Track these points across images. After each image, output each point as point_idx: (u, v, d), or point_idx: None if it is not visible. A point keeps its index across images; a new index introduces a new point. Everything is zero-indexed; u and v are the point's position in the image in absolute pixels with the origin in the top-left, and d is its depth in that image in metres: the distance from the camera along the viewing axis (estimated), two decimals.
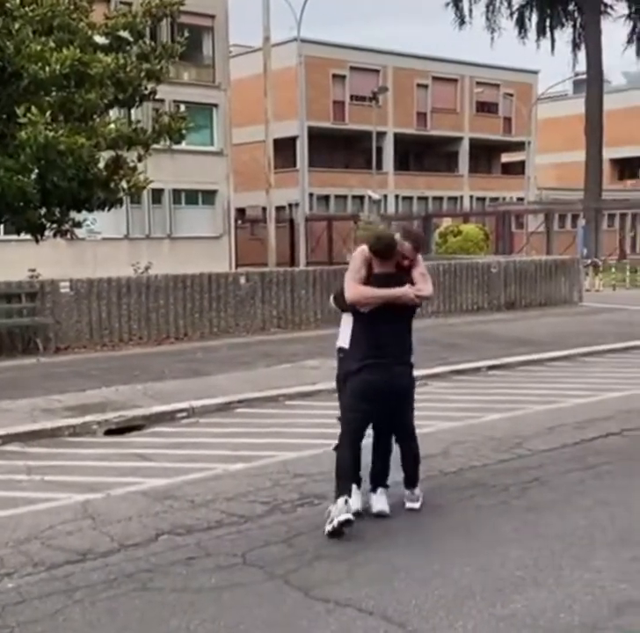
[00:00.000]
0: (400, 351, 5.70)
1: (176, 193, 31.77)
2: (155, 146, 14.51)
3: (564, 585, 4.58)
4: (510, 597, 4.44)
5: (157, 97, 14.59)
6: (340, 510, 5.29)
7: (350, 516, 5.31)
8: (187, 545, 5.29)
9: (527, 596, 4.45)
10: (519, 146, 51.52)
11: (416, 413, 6.04)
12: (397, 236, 5.75)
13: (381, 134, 43.17)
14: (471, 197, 49.35)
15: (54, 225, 13.92)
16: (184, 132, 14.23)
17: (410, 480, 6.03)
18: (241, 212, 39.77)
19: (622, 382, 10.62)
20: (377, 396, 5.61)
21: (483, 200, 49.12)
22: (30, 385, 10.52)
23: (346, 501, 5.36)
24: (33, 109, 11.34)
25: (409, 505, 5.93)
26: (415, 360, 5.88)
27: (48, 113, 11.47)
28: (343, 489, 5.45)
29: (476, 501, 6.09)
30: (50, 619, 4.30)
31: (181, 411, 9.21)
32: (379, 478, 5.99)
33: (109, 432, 8.57)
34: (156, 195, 30.20)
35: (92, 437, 8.41)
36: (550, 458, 7.18)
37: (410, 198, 46.95)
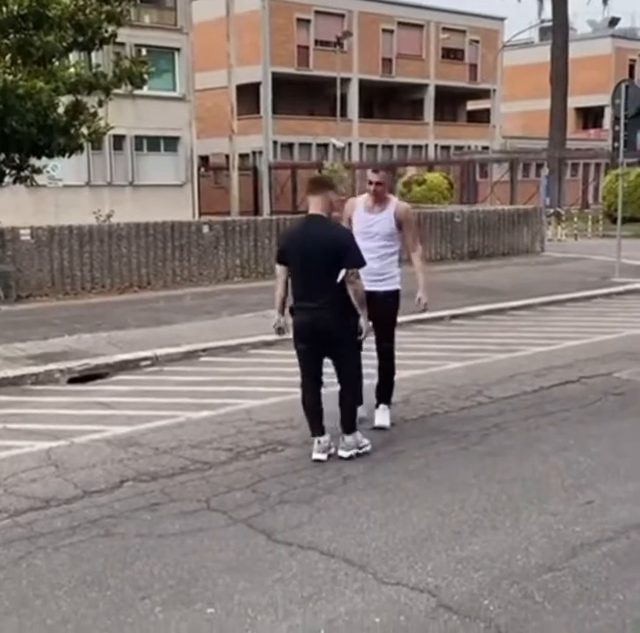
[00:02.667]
0: (318, 296, 5.81)
1: (138, 140, 31.24)
2: (116, 91, 14.23)
3: (521, 528, 4.71)
4: (468, 539, 4.55)
5: (118, 40, 14.26)
6: (314, 449, 5.94)
7: (320, 456, 5.89)
8: (151, 491, 5.34)
9: (484, 539, 4.56)
10: (484, 94, 51.28)
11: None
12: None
13: (345, 81, 42.68)
14: (436, 145, 49.16)
15: (14, 171, 13.67)
16: (145, 77, 13.97)
17: (344, 423, 6.05)
18: (204, 160, 39.25)
19: (582, 331, 10.79)
20: (305, 336, 5.95)
21: (448, 148, 48.98)
22: None
23: (319, 441, 5.94)
24: None
25: (340, 452, 6.00)
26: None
27: (8, 57, 11.18)
28: (312, 429, 6.03)
29: (437, 447, 6.20)
30: (13, 565, 4.33)
31: (145, 359, 9.20)
32: (378, 394, 6.80)
33: (72, 381, 8.55)
34: (118, 142, 29.69)
35: (55, 385, 8.39)
36: (510, 405, 7.32)
37: (375, 146, 46.63)
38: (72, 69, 12.93)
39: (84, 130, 13.82)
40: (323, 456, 5.89)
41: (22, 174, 13.98)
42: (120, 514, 4.99)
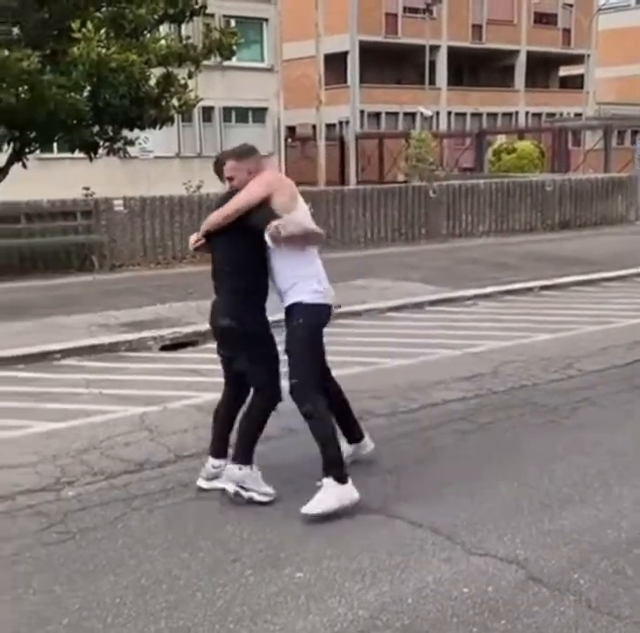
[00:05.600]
0: (221, 282, 4.86)
1: (226, 111, 31.46)
2: (205, 63, 14.31)
3: (612, 503, 4.63)
4: (557, 513, 4.50)
5: (207, 11, 14.32)
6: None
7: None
8: None
9: (574, 512, 4.51)
10: (578, 59, 49.71)
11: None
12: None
13: (434, 48, 41.99)
14: (527, 113, 48.00)
15: (107, 143, 13.93)
16: (234, 48, 13.98)
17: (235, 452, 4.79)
18: (291, 130, 39.30)
19: None
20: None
21: (539, 115, 47.76)
22: (87, 302, 10.73)
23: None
24: (89, 24, 11.23)
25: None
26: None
27: (103, 30, 11.36)
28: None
29: (525, 419, 6.13)
30: (110, 526, 4.49)
31: None
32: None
33: (164, 348, 8.76)
34: (207, 113, 29.96)
35: (148, 352, 8.60)
36: (601, 378, 7.17)
37: (464, 114, 45.84)
38: (163, 42, 13.03)
39: (175, 102, 13.96)
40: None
41: (115, 146, 14.23)
42: None
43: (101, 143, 13.97)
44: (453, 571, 3.88)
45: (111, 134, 13.93)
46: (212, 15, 23.38)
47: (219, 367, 7.75)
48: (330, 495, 4.49)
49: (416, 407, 6.45)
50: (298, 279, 4.73)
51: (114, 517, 4.59)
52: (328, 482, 4.53)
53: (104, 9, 12.29)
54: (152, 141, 20.76)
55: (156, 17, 12.64)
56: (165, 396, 6.90)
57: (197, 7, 13.44)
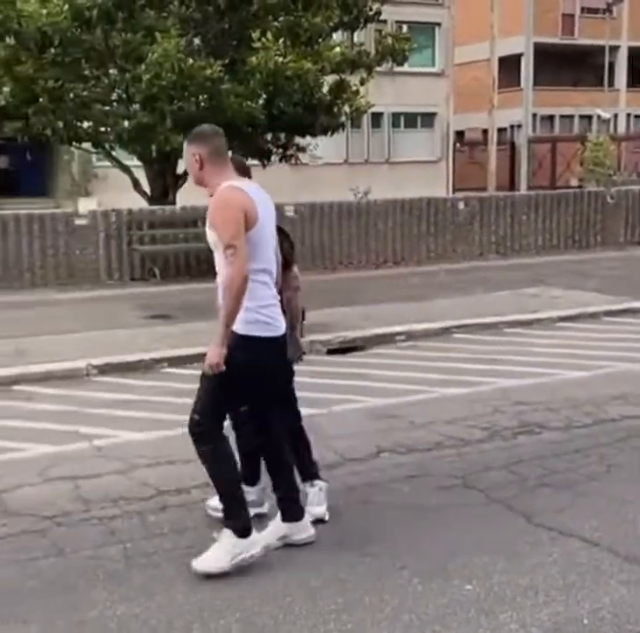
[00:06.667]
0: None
1: (395, 117, 31.54)
2: (376, 68, 14.43)
3: None
4: None
5: (380, 18, 14.41)
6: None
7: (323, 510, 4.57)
8: (408, 464, 5.40)
9: None
10: None
11: None
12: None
13: (613, 49, 40.37)
14: None
15: (280, 150, 14.29)
16: (407, 53, 14.04)
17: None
18: (459, 135, 38.89)
19: None
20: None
21: None
22: None
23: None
24: (268, 34, 11.56)
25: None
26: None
27: (281, 40, 11.67)
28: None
29: None
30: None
31: (399, 334, 9.32)
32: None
33: (331, 352, 8.85)
34: (376, 119, 30.13)
35: (316, 355, 8.69)
36: None
37: None
38: (337, 49, 13.24)
39: (346, 108, 14.16)
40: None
41: (287, 153, 14.59)
42: (378, 483, 5.09)
43: (274, 150, 14.35)
44: (632, 594, 3.68)
45: (283, 141, 14.28)
46: (385, 21, 23.51)
47: (383, 372, 7.81)
48: (225, 551, 3.92)
49: (591, 422, 6.20)
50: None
51: None
52: (224, 533, 3.96)
53: (281, 18, 12.60)
54: (321, 147, 21.10)
55: (331, 24, 12.85)
56: (331, 399, 6.96)
57: (371, 14, 13.57)
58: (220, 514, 4.23)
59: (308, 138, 15.06)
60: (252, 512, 4.19)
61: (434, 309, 10.56)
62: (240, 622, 3.55)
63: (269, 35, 11.52)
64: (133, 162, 14.77)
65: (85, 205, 19.96)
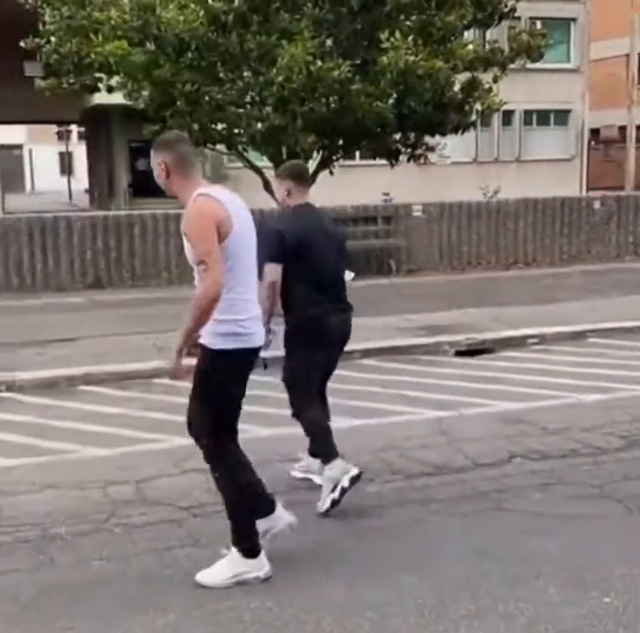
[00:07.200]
0: (343, 295, 5.09)
1: (527, 114, 30.84)
2: (509, 66, 14.14)
3: None
4: None
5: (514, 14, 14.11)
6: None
7: (357, 470, 4.70)
8: (541, 471, 5.28)
9: None
10: None
11: None
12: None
13: None
14: None
15: (409, 150, 14.21)
16: (542, 50, 13.68)
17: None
18: (594, 132, 37.69)
19: None
20: (334, 342, 5.11)
21: None
22: (384, 304, 10.99)
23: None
24: (397, 34, 11.52)
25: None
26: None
27: (410, 38, 11.60)
28: (331, 451, 4.81)
29: None
30: (408, 526, 4.54)
31: (531, 336, 9.12)
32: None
33: (459, 354, 8.74)
34: (507, 117, 29.51)
35: (443, 357, 8.63)
36: None
37: None
38: (470, 47, 13.05)
39: (478, 107, 13.93)
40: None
41: (416, 152, 14.48)
42: (510, 490, 5.00)
43: (403, 150, 14.28)
44: None
45: (412, 140, 14.18)
46: (518, 17, 23.04)
47: (515, 375, 7.65)
48: (229, 568, 3.87)
49: None
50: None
51: (413, 518, 4.64)
52: (233, 552, 3.90)
53: (414, 17, 12.52)
54: (450, 146, 20.87)
55: (464, 22, 12.67)
56: (461, 401, 6.88)
57: (506, 10, 13.30)
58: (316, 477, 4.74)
59: (437, 137, 14.91)
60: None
61: (568, 311, 10.28)
62: (371, 621, 3.55)
63: (398, 35, 11.46)
64: (263, 162, 15.03)
65: None
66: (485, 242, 14.39)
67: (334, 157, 14.20)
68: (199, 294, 3.64)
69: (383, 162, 14.86)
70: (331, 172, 14.21)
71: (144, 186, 27.27)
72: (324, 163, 14.10)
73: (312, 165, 14.25)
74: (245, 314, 3.80)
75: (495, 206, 14.71)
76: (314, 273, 4.80)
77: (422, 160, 15.19)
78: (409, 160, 14.71)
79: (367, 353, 8.58)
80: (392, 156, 14.32)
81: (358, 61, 12.67)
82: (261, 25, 12.03)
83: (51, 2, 13.02)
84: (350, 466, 4.68)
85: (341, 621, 3.55)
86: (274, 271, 4.73)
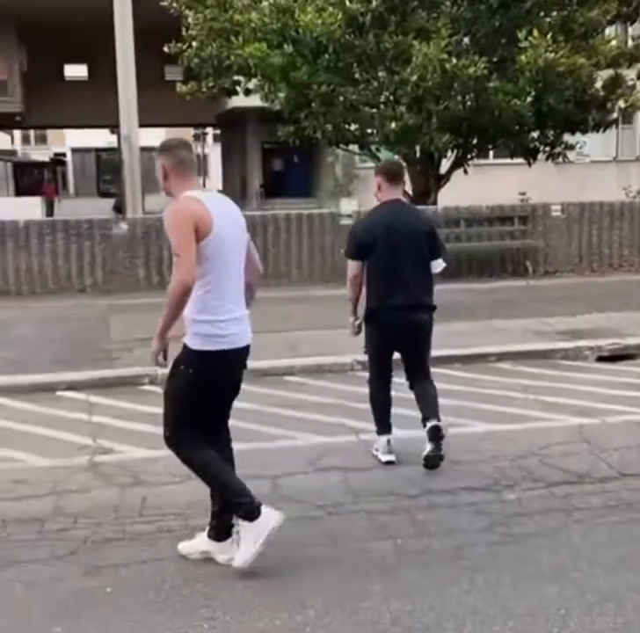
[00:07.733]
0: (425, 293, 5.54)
1: None
2: None
3: None
4: None
5: None
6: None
7: (392, 457, 5.42)
8: None
9: None
10: None
11: None
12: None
13: None
14: None
15: (547, 148, 13.87)
16: None
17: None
18: None
19: None
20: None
21: None
22: (521, 306, 10.76)
23: (388, 441, 5.49)
24: (535, 32, 11.27)
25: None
26: None
27: (549, 35, 11.31)
28: (384, 425, 5.57)
29: None
30: (551, 534, 4.40)
31: None
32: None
33: (601, 359, 8.44)
34: None
35: (584, 362, 8.35)
36: None
37: None
38: (614, 42, 12.62)
39: (621, 104, 13.49)
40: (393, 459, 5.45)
41: (554, 151, 14.12)
42: None
43: (541, 149, 13.95)
44: None
45: (551, 138, 13.84)
46: None
47: None
48: (249, 540, 3.94)
49: None
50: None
51: (555, 526, 4.50)
52: (242, 524, 3.99)
53: (554, 14, 12.21)
54: (589, 144, 20.23)
55: (608, 17, 12.27)
56: (603, 409, 6.63)
57: None
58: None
59: (577, 135, 14.49)
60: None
61: None
62: (513, 630, 3.46)
63: (536, 32, 11.18)
64: None
65: (347, 205, 20.58)
66: (628, 243, 13.87)
67: (469, 156, 14.02)
68: (169, 288, 3.80)
69: (517, 160, 14.57)
70: (466, 171, 14.03)
71: (276, 187, 27.88)
72: (459, 162, 13.94)
73: (446, 164, 14.13)
74: (225, 315, 3.90)
75: (638, 206, 14.16)
76: (379, 270, 5.24)
77: (561, 159, 14.81)
78: (547, 159, 14.37)
79: (503, 357, 8.41)
80: (530, 155, 14.03)
81: (495, 59, 12.46)
82: (398, 24, 12.00)
83: (194, 6, 13.40)
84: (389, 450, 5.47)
85: (482, 629, 3.48)
86: (353, 266, 5.31)
